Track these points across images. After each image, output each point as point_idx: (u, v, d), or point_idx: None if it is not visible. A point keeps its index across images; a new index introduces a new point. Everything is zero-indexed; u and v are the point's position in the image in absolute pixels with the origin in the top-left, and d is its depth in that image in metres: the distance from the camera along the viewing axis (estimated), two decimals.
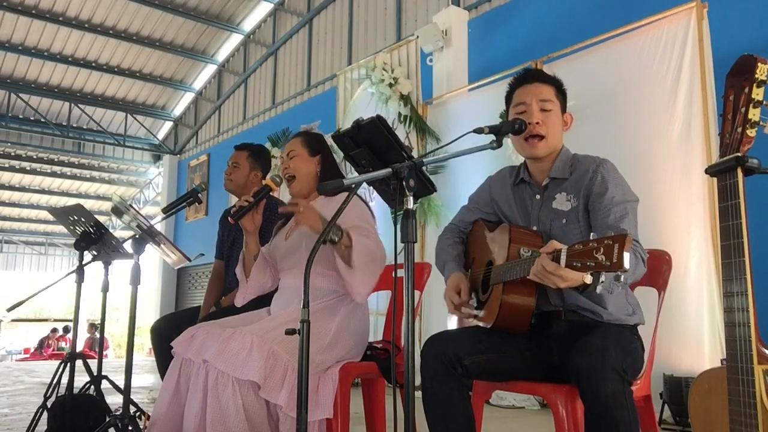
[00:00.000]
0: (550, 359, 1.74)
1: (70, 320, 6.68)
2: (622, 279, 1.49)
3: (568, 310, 1.76)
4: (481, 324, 1.81)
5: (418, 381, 1.66)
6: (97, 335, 13.07)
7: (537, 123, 1.80)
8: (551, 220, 1.81)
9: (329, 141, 2.36)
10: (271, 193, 2.38)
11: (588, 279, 1.40)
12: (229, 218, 2.37)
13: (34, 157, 12.93)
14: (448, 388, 1.68)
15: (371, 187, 2.62)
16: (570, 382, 1.61)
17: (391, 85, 5.46)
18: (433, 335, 1.80)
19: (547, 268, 1.44)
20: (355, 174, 1.84)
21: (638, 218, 1.74)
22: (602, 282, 1.45)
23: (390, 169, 1.50)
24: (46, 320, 18.63)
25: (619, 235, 1.29)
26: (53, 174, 13.88)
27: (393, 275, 1.68)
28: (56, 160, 13.21)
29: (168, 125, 12.56)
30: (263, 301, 2.43)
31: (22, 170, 13.54)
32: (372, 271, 2.07)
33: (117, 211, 2.37)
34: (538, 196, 1.88)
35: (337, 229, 1.99)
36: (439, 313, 4.64)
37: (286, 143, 2.49)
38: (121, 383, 2.43)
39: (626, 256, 1.27)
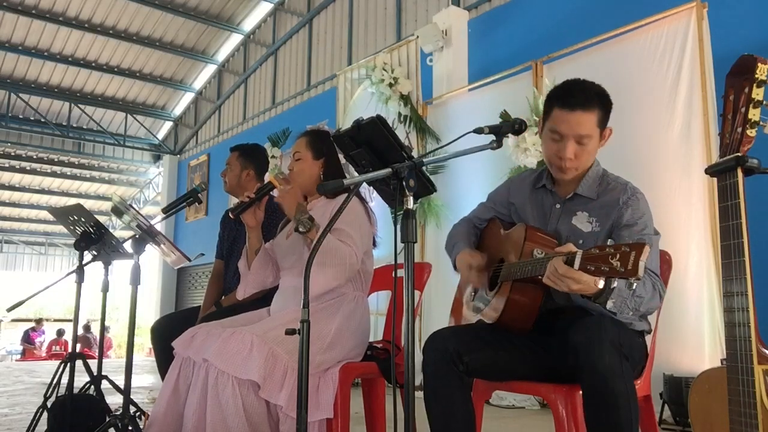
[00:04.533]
0: (551, 357, 1.74)
1: (69, 320, 6.68)
2: (635, 289, 1.49)
3: (575, 308, 1.76)
4: (485, 320, 1.81)
5: (418, 381, 1.66)
6: (90, 335, 13.12)
7: (570, 159, 1.74)
8: (568, 236, 1.78)
9: None
10: (273, 191, 2.39)
11: (600, 284, 1.40)
12: (229, 213, 2.38)
13: (34, 157, 12.93)
14: (449, 385, 1.69)
15: (371, 187, 2.62)
16: (569, 376, 1.61)
17: (391, 85, 5.46)
18: (434, 332, 1.80)
19: (559, 270, 1.43)
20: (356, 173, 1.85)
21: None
22: (614, 288, 1.45)
23: (390, 169, 1.50)
24: (46, 320, 18.62)
25: (637, 243, 1.29)
26: (53, 174, 13.88)
27: (393, 275, 1.68)
28: (56, 160, 13.21)
29: (168, 125, 12.56)
30: (264, 300, 2.44)
31: (22, 170, 13.54)
32: (326, 272, 2.06)
33: (117, 211, 2.37)
34: (558, 206, 1.84)
35: (308, 221, 2.03)
36: (439, 313, 4.63)
37: (292, 142, 2.51)
38: (121, 383, 2.43)
39: (641, 265, 1.26)
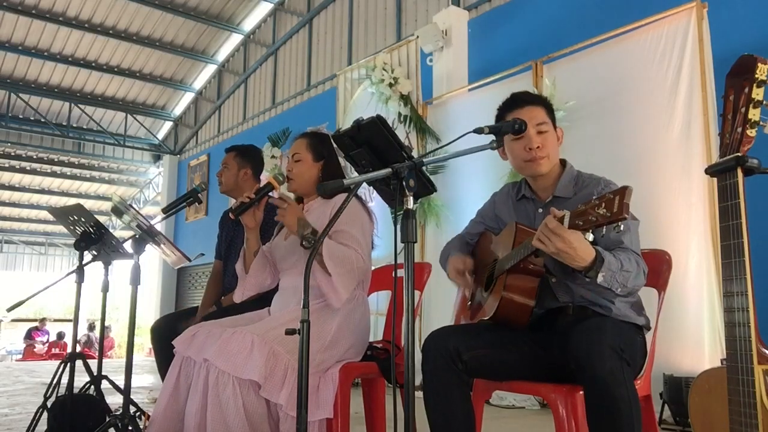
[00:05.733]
0: (551, 355, 1.74)
1: (69, 320, 6.69)
2: (622, 262, 1.53)
3: (576, 305, 1.77)
4: (483, 317, 1.82)
5: (418, 381, 1.66)
6: (92, 333, 13.11)
7: (538, 147, 1.83)
8: None
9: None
10: (272, 193, 2.38)
11: (590, 237, 1.44)
12: (229, 214, 2.38)
13: (34, 157, 12.94)
14: (449, 384, 1.69)
15: (371, 187, 2.62)
16: (569, 370, 1.61)
17: (391, 85, 5.46)
18: (434, 330, 1.81)
19: (549, 225, 1.47)
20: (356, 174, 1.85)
21: (638, 218, 1.75)
22: (602, 235, 1.48)
23: (390, 169, 1.50)
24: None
25: (620, 188, 1.33)
26: (53, 174, 13.88)
27: (393, 275, 1.68)
28: (56, 160, 13.22)
29: (168, 125, 12.56)
30: (264, 301, 2.44)
31: (22, 170, 13.55)
32: (341, 283, 2.08)
33: (117, 211, 2.37)
34: (540, 210, 1.90)
35: (312, 236, 2.05)
36: (439, 313, 4.64)
37: (291, 142, 2.50)
38: (121, 383, 2.43)
39: (626, 205, 1.30)
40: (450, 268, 1.98)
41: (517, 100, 1.90)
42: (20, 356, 14.01)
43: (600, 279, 1.53)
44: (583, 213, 1.40)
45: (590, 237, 1.45)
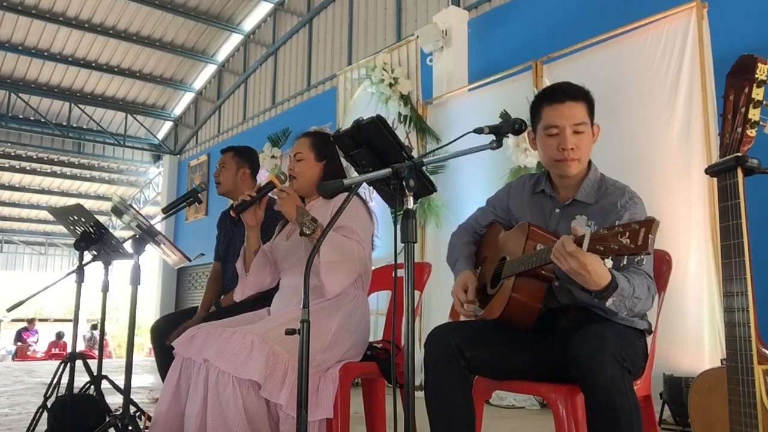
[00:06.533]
0: (552, 355, 1.74)
1: (69, 320, 6.68)
2: (635, 289, 1.51)
3: (578, 307, 1.77)
4: (486, 317, 1.82)
5: (418, 381, 1.67)
6: (96, 331, 13.11)
7: (572, 149, 1.76)
8: None
9: None
10: (272, 192, 2.39)
11: (609, 263, 1.41)
12: (231, 211, 2.38)
13: (34, 157, 12.93)
14: (450, 380, 1.69)
15: (371, 187, 2.62)
16: (570, 376, 1.61)
17: (391, 85, 5.46)
18: (437, 326, 1.81)
19: (567, 248, 1.43)
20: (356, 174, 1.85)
21: None
22: (617, 287, 1.45)
23: (390, 169, 1.50)
24: (45, 320, 18.63)
25: (647, 219, 1.30)
26: (53, 174, 13.88)
27: (393, 275, 1.68)
28: (56, 160, 13.21)
29: (168, 125, 12.56)
30: (264, 300, 2.44)
31: (22, 170, 13.54)
32: (341, 270, 2.09)
33: (117, 211, 2.37)
34: (558, 210, 1.86)
35: (312, 222, 2.03)
36: (439, 313, 4.64)
37: (294, 141, 2.50)
38: (121, 383, 2.43)
39: (651, 239, 1.27)
40: (454, 289, 1.92)
41: (558, 93, 1.79)
42: (12, 357, 13.97)
43: (609, 303, 1.50)
44: (604, 238, 1.35)
45: (609, 263, 1.43)
